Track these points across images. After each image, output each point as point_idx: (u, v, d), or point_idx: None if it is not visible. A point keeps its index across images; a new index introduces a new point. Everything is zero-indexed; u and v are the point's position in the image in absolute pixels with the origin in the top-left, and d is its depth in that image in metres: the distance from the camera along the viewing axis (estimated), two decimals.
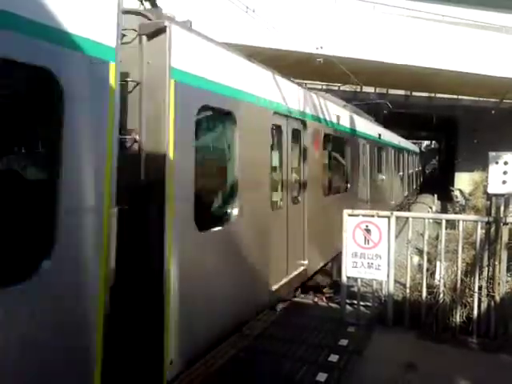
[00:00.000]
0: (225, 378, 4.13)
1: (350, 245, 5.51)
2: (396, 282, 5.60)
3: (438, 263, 5.47)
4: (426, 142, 62.24)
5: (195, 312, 4.14)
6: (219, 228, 4.74)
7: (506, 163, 5.06)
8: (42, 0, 2.57)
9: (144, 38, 3.82)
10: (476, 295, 5.09)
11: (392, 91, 27.67)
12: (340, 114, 9.39)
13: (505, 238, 5.01)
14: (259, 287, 5.67)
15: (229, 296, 4.82)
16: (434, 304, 5.27)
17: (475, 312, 5.09)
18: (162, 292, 3.70)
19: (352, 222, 5.51)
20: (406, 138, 25.63)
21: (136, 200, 3.75)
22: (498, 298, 4.99)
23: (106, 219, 2.99)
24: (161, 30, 3.77)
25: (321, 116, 8.14)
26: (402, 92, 28.41)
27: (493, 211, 5.20)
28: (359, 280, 5.66)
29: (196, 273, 4.16)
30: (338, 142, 9.51)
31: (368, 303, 5.93)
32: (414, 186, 26.36)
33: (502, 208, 5.11)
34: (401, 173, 19.74)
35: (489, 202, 5.45)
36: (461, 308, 5.19)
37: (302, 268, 7.02)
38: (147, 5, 4.40)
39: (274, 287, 5.95)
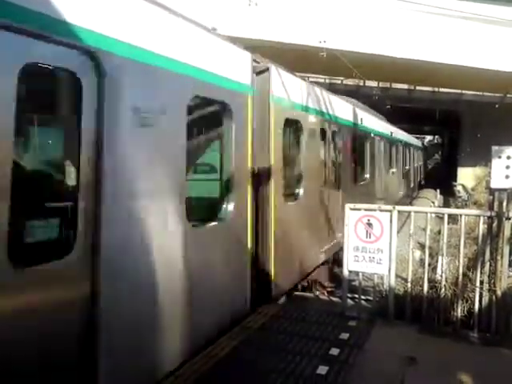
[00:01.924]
0: (225, 370, 4.14)
1: (351, 239, 5.50)
2: (397, 276, 5.60)
3: (439, 258, 5.46)
4: (428, 137, 62.05)
5: None
6: None
7: (508, 157, 5.03)
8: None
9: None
10: (477, 290, 5.08)
11: (395, 85, 27.56)
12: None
13: (507, 232, 4.99)
14: None
15: None
16: (436, 298, 5.27)
17: (476, 306, 5.09)
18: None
19: (354, 216, 5.50)
20: (409, 132, 25.43)
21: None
22: (499, 293, 4.99)
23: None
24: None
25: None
26: (405, 86, 28.29)
27: (495, 206, 5.18)
28: (360, 274, 5.66)
29: None
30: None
31: (369, 297, 5.94)
32: (412, 185, 24.18)
33: (505, 203, 5.09)
34: (394, 170, 17.01)
35: (491, 197, 5.43)
36: (462, 302, 5.19)
37: None
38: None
39: None
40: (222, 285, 4.87)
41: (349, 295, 5.79)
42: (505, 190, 5.09)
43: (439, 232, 6.19)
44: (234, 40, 5.33)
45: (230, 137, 5.03)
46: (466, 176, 26.32)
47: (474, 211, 6.95)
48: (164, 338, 3.95)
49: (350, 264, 5.53)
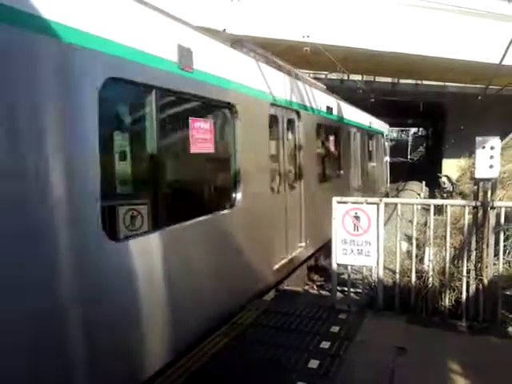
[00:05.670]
0: (216, 367, 4.13)
1: (339, 232, 5.52)
2: (385, 268, 5.64)
3: (426, 248, 5.51)
4: (413, 129, 62.64)
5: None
6: None
7: (492, 148, 5.08)
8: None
9: None
10: (464, 279, 5.14)
11: (379, 78, 27.70)
12: None
13: (492, 221, 5.05)
14: None
15: None
16: (423, 289, 5.32)
17: (464, 295, 5.15)
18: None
19: (341, 209, 5.52)
20: (395, 125, 25.52)
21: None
22: (486, 281, 5.05)
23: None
24: None
25: None
26: (388, 79, 28.46)
27: (480, 196, 5.24)
28: (349, 267, 5.69)
29: None
30: None
31: (358, 290, 5.98)
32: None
33: (489, 192, 5.15)
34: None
35: (476, 187, 5.49)
36: (450, 292, 5.25)
37: None
38: None
39: None
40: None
41: (338, 288, 5.82)
42: (489, 179, 5.15)
43: (425, 224, 6.25)
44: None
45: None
46: (451, 167, 26.52)
47: (460, 201, 7.02)
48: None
49: (339, 257, 5.56)
